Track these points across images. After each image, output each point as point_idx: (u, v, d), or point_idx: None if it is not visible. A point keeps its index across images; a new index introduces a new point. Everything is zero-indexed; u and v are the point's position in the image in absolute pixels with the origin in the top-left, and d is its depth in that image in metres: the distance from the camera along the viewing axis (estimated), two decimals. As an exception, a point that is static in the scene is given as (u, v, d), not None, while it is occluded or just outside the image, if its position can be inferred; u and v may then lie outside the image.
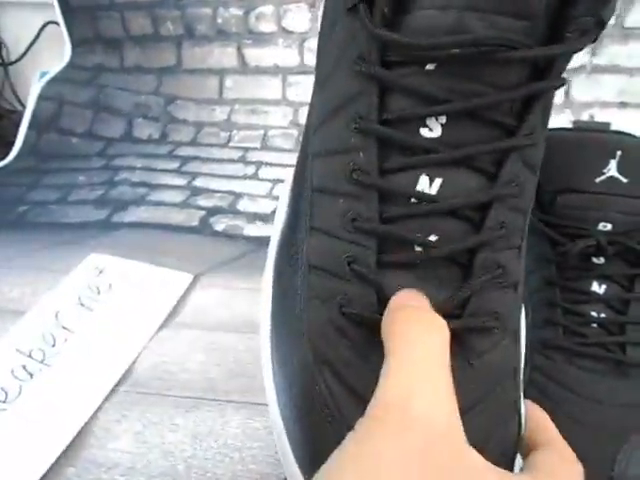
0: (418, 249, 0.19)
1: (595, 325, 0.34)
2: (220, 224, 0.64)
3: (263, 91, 0.97)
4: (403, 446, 0.14)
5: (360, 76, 0.18)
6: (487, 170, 0.18)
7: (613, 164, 0.34)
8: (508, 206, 0.19)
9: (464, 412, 0.16)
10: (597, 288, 0.35)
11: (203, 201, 0.70)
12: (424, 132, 0.18)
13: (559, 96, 0.88)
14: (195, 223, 0.64)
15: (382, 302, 0.18)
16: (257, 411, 0.37)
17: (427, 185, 0.18)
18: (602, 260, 0.35)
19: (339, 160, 0.19)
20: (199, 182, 0.77)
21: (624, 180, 0.34)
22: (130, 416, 0.37)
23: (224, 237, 0.62)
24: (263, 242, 0.62)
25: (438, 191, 0.18)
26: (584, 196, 0.35)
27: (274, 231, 0.26)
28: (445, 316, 0.18)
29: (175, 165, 0.83)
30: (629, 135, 0.36)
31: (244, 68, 0.98)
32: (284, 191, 0.27)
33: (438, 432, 0.14)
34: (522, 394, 0.21)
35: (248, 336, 0.46)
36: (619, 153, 0.34)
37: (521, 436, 0.20)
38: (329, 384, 0.18)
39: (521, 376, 0.22)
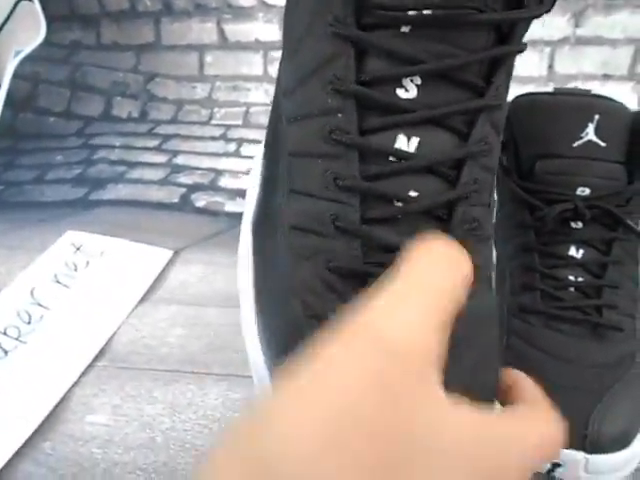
0: (399, 204, 0.19)
1: (572, 289, 0.34)
2: (201, 201, 0.64)
3: (244, 67, 0.95)
4: (362, 368, 0.12)
5: (336, 38, 0.19)
6: (460, 129, 0.19)
7: (591, 128, 0.34)
8: (479, 164, 0.20)
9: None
10: (575, 252, 0.35)
11: (184, 178, 0.69)
12: (400, 93, 0.19)
13: (543, 69, 0.87)
14: (175, 200, 0.64)
15: (368, 255, 0.19)
16: (237, 383, 0.37)
17: (405, 143, 0.19)
18: (580, 225, 0.35)
19: (316, 122, 0.20)
20: (180, 160, 0.75)
21: (602, 144, 0.34)
22: (108, 390, 0.37)
23: (205, 214, 0.61)
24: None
25: (416, 149, 0.19)
26: (562, 161, 0.35)
27: (248, 197, 0.26)
28: None
29: (155, 143, 0.81)
30: (607, 99, 0.36)
31: (224, 44, 0.96)
32: (257, 159, 0.27)
33: (407, 359, 0.13)
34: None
35: (229, 310, 0.45)
36: (597, 117, 0.34)
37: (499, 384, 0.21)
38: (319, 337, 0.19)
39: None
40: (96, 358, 0.40)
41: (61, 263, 0.49)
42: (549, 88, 0.87)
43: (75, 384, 0.37)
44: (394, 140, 0.19)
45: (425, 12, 0.18)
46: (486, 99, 0.19)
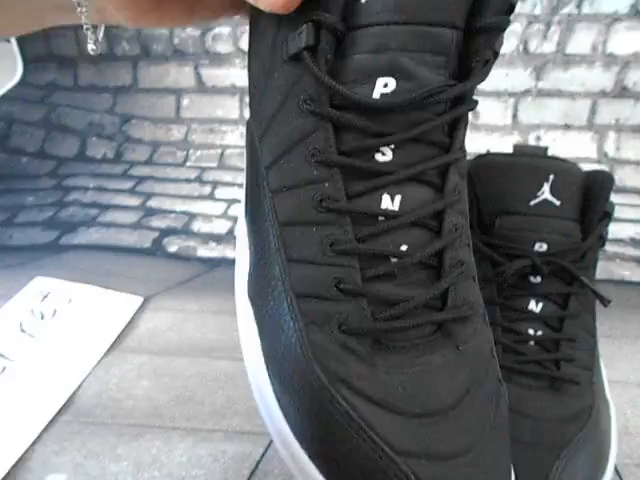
0: (394, 260, 0.21)
1: (532, 343, 0.35)
2: (173, 245, 0.64)
3: (220, 110, 0.97)
4: None
5: (312, 115, 0.21)
6: (435, 183, 0.22)
7: (546, 187, 0.36)
8: (456, 211, 0.22)
9: (461, 398, 0.20)
10: (534, 306, 0.36)
11: (157, 222, 0.70)
12: (378, 157, 0.21)
13: (508, 118, 0.91)
14: (147, 244, 0.64)
15: (375, 312, 0.20)
16: (203, 437, 0.37)
17: (390, 203, 0.21)
18: (539, 279, 0.36)
19: (305, 192, 0.21)
20: (153, 202, 0.76)
21: (557, 203, 0.36)
22: (70, 447, 0.36)
23: (177, 258, 0.61)
24: (216, 263, 0.62)
25: (400, 207, 0.21)
26: (520, 218, 0.36)
27: (238, 265, 0.26)
28: (431, 309, 0.21)
29: (129, 185, 0.82)
30: (561, 160, 0.38)
31: (201, 87, 0.98)
32: (240, 230, 0.27)
33: None
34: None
35: (198, 360, 0.45)
36: (552, 177, 0.35)
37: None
38: (349, 400, 0.20)
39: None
40: (59, 412, 0.39)
41: (27, 311, 0.48)
42: (514, 137, 0.91)
43: (36, 441, 0.36)
44: (380, 201, 0.21)
45: (393, 101, 0.20)
46: (452, 153, 0.21)
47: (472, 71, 0.20)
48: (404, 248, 0.21)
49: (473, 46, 0.20)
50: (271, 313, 0.22)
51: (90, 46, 0.27)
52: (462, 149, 0.22)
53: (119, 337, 0.47)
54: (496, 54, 0.21)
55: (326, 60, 0.20)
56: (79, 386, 0.41)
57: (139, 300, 0.52)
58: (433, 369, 0.21)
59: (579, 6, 0.84)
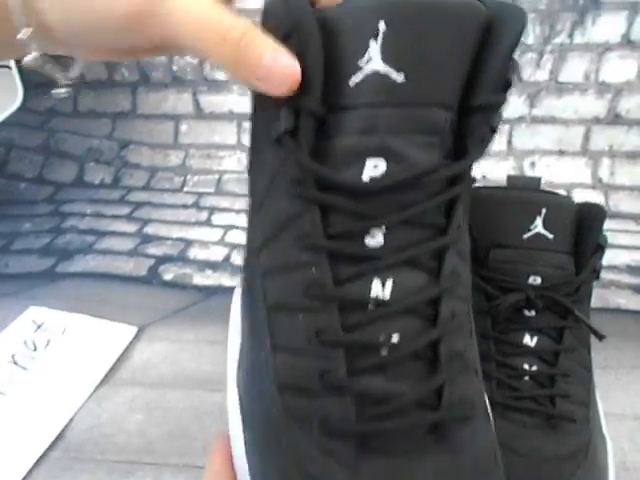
0: (384, 351, 0.19)
1: (527, 378, 0.34)
2: (169, 273, 0.64)
3: (218, 136, 0.98)
4: None
5: (298, 198, 0.20)
6: (430, 267, 0.20)
7: (539, 221, 0.36)
8: (454, 296, 0.20)
9: None
10: (529, 340, 0.36)
11: (153, 249, 0.70)
12: (368, 241, 0.20)
13: (503, 144, 0.92)
14: (143, 272, 0.63)
15: (361, 410, 0.19)
16: (195, 475, 0.36)
17: (380, 289, 0.19)
18: (533, 313, 0.36)
19: (292, 276, 0.20)
20: (150, 229, 0.76)
21: (550, 236, 0.36)
22: (60, 485, 0.35)
23: (173, 287, 0.61)
24: (212, 291, 0.62)
25: (391, 293, 0.19)
26: (514, 251, 0.36)
27: (230, 347, 0.25)
28: (424, 408, 0.19)
29: (126, 211, 0.82)
30: (553, 194, 0.38)
31: (199, 113, 0.99)
32: (235, 308, 0.27)
33: None
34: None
35: (192, 393, 0.45)
36: (544, 211, 0.36)
37: None
38: None
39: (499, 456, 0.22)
40: (50, 447, 0.38)
41: (20, 342, 0.48)
42: (509, 162, 0.92)
43: (26, 476, 0.36)
44: (370, 287, 0.19)
45: (382, 183, 0.19)
46: (449, 236, 0.20)
47: (468, 150, 0.20)
48: (395, 338, 0.19)
49: (469, 125, 0.20)
50: (256, 404, 0.21)
51: (62, 90, 0.26)
52: (461, 230, 0.21)
53: (112, 368, 0.47)
54: (493, 130, 0.20)
55: (308, 143, 0.19)
56: (70, 420, 0.41)
57: (133, 330, 0.52)
58: (423, 478, 0.19)
59: (571, 35, 0.85)
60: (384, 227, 0.19)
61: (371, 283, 0.19)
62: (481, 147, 0.20)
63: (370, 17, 0.18)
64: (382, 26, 0.18)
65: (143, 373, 0.47)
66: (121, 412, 0.42)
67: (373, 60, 0.18)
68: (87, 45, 0.22)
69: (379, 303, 0.19)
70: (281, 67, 0.18)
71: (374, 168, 0.19)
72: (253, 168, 0.23)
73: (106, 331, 0.51)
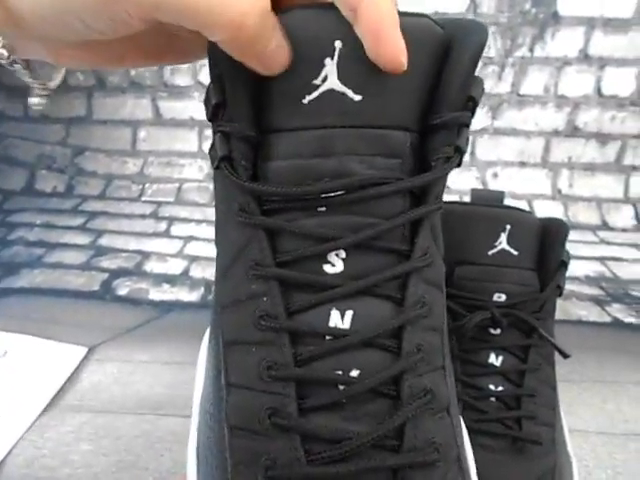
0: (341, 387, 0.18)
1: (493, 399, 0.34)
2: (123, 288, 0.60)
3: (179, 144, 0.95)
4: None
5: (246, 226, 0.19)
6: (393, 296, 0.19)
7: (503, 237, 0.35)
8: (421, 327, 0.19)
9: None
10: (494, 360, 0.35)
11: (107, 262, 0.66)
12: (327, 268, 0.18)
13: (466, 155, 0.93)
14: (96, 287, 0.60)
15: (311, 452, 0.17)
16: (145, 511, 0.34)
17: (339, 320, 0.18)
18: (498, 331, 0.35)
19: (245, 308, 0.19)
20: (104, 240, 0.72)
21: (514, 252, 0.35)
22: (-7, 528, 0.32)
23: (127, 302, 0.58)
24: (169, 307, 0.59)
25: (351, 324, 0.18)
26: (478, 268, 0.36)
27: (195, 396, 0.24)
28: (383, 450, 0.17)
29: (80, 221, 0.78)
30: (517, 209, 0.37)
31: (159, 120, 0.96)
32: (204, 344, 0.25)
33: None
34: None
35: (144, 418, 0.42)
36: (508, 227, 0.35)
37: None
38: None
39: None
40: (-16, 485, 0.35)
41: (-45, 367, 0.44)
42: (472, 173, 0.92)
43: (-45, 520, 0.33)
44: (328, 317, 0.18)
45: (335, 195, 0.18)
46: (413, 261, 0.19)
47: (432, 169, 0.19)
48: (355, 373, 0.18)
49: (432, 144, 0.19)
50: (209, 448, 0.20)
51: (36, 100, 0.24)
52: (427, 256, 0.19)
53: (58, 393, 0.44)
54: (460, 150, 0.19)
55: (244, 167, 0.18)
56: (8, 453, 0.38)
57: (83, 351, 0.48)
58: None
59: (531, 49, 0.87)
60: (343, 252, 0.18)
61: (329, 313, 0.18)
62: (445, 166, 0.19)
63: (326, 36, 0.17)
64: (338, 44, 0.17)
65: (92, 398, 0.44)
66: (66, 442, 0.39)
67: (329, 79, 0.17)
68: (60, 34, 0.19)
69: (337, 335, 0.18)
70: (281, 55, 0.17)
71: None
72: (215, 199, 0.22)
73: (52, 353, 0.47)
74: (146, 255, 0.69)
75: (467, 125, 0.19)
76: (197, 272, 0.66)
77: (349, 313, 0.18)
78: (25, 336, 0.48)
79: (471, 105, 0.19)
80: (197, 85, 0.95)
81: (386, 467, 0.17)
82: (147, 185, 0.91)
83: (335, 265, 0.18)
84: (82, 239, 0.71)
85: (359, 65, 0.17)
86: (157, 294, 0.60)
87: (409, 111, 0.18)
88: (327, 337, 0.18)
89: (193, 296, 0.59)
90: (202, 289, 0.61)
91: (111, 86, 0.95)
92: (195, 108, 0.96)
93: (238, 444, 0.18)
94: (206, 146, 0.96)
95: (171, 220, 0.81)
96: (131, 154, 0.95)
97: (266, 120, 0.18)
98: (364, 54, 0.17)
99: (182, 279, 0.63)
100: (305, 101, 0.18)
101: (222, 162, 0.19)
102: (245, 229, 0.19)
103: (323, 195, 0.18)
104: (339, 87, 0.17)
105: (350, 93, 0.17)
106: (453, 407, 0.20)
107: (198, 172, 0.94)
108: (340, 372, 0.18)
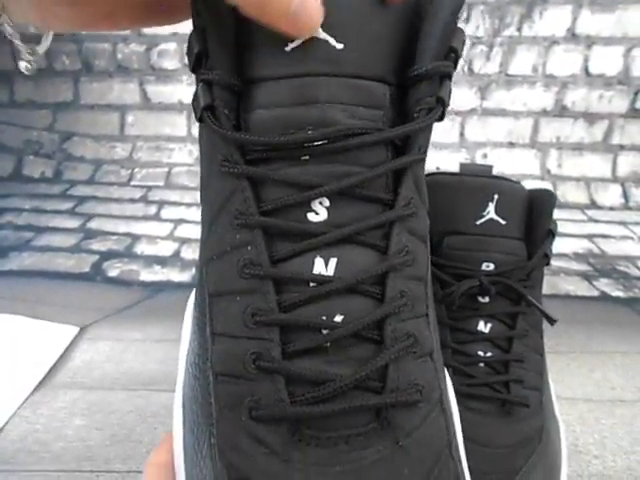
0: (325, 331, 0.18)
1: (482, 364, 0.34)
2: (114, 269, 0.60)
3: (167, 128, 0.94)
4: None
5: (230, 176, 0.19)
6: (377, 244, 0.19)
7: (491, 207, 0.36)
8: (404, 275, 0.19)
9: None
10: (483, 327, 0.35)
11: (97, 244, 0.66)
12: (311, 217, 0.19)
13: (455, 137, 0.93)
14: (86, 269, 0.60)
15: (296, 394, 0.17)
16: (139, 481, 0.34)
17: (323, 267, 0.18)
18: (487, 299, 0.36)
19: (230, 259, 0.19)
20: (94, 224, 0.72)
21: (502, 222, 0.36)
22: (-12, 500, 0.33)
23: (117, 283, 0.58)
24: (160, 288, 0.59)
25: (335, 271, 0.18)
26: (467, 237, 0.36)
27: (181, 353, 0.24)
28: (366, 392, 0.18)
29: (69, 206, 0.77)
30: (505, 179, 0.38)
31: (147, 104, 0.95)
32: (190, 303, 0.25)
33: None
34: (465, 469, 0.20)
35: (137, 394, 0.42)
36: (496, 197, 0.35)
37: None
38: None
39: (461, 452, 0.21)
40: (-22, 460, 0.35)
41: (-54, 347, 0.44)
42: (462, 154, 0.93)
43: (-50, 494, 0.33)
44: (312, 265, 0.18)
45: (318, 144, 0.18)
46: (396, 210, 0.19)
47: (414, 120, 0.19)
48: (339, 318, 0.18)
49: (414, 96, 0.19)
50: (194, 399, 0.20)
51: (23, 64, 0.24)
52: (412, 206, 0.19)
53: (50, 371, 0.44)
54: (443, 101, 0.19)
55: (227, 117, 0.18)
56: (1, 430, 0.38)
57: (74, 330, 0.48)
58: (363, 468, 0.17)
59: (519, 29, 0.87)
60: (326, 199, 0.18)
61: (313, 261, 0.18)
62: (427, 117, 0.19)
63: None
64: None
65: (84, 375, 0.44)
66: (59, 417, 0.39)
67: None
68: None
69: (321, 281, 0.18)
70: (308, 13, 0.17)
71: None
72: (200, 153, 0.22)
73: (43, 332, 0.47)
74: (136, 238, 0.68)
75: (449, 76, 0.19)
76: (188, 254, 0.66)
77: (333, 260, 0.18)
78: (16, 316, 0.48)
79: (453, 57, 0.19)
80: (185, 68, 0.94)
81: (369, 406, 0.17)
82: (136, 170, 0.91)
83: (319, 213, 0.19)
84: (71, 223, 0.71)
85: (341, 14, 0.17)
86: (148, 275, 0.60)
87: (388, 63, 0.19)
88: (311, 284, 0.18)
89: (184, 276, 0.59)
90: (193, 270, 0.61)
91: (98, 70, 0.94)
92: (184, 91, 0.95)
93: (223, 389, 0.18)
94: (195, 130, 0.96)
95: (161, 204, 0.81)
96: (119, 139, 0.94)
97: (248, 69, 0.18)
98: (346, 3, 0.17)
99: (173, 261, 0.63)
100: (288, 49, 0.18)
101: (205, 112, 0.18)
102: (229, 180, 0.19)
103: (306, 144, 0.18)
104: (321, 35, 0.17)
105: (332, 41, 0.18)
106: (437, 353, 0.20)
107: (188, 156, 0.94)
108: (324, 317, 0.18)
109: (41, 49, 0.24)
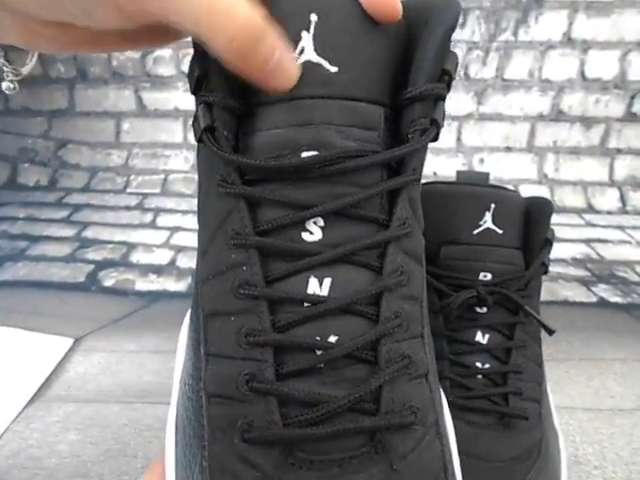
0: (319, 352, 0.18)
1: (480, 376, 0.34)
2: (109, 279, 0.60)
3: (163, 135, 0.94)
4: None
5: (227, 196, 0.19)
6: (372, 264, 0.19)
7: (488, 216, 0.35)
8: (399, 295, 0.19)
9: None
10: (481, 338, 0.35)
11: (92, 254, 0.65)
12: (306, 236, 0.19)
13: (452, 141, 0.93)
14: (81, 279, 0.59)
15: (289, 416, 0.17)
16: (134, 497, 0.34)
17: (317, 287, 0.18)
18: (484, 309, 0.35)
19: (225, 279, 0.19)
20: (89, 233, 0.71)
21: (499, 231, 0.35)
22: (-20, 519, 0.32)
23: (113, 293, 0.58)
24: (156, 297, 0.59)
25: (329, 291, 0.18)
26: (464, 247, 0.36)
27: (176, 371, 0.24)
28: (360, 413, 0.17)
29: (64, 214, 0.77)
30: (502, 188, 0.37)
31: (142, 111, 0.94)
32: (185, 321, 0.25)
33: None
34: None
35: (132, 407, 0.42)
36: (493, 206, 0.35)
37: None
38: None
39: (458, 476, 0.21)
40: (-30, 477, 0.35)
41: (-62, 360, 0.43)
42: (459, 159, 0.92)
43: (-59, 512, 0.32)
44: (306, 285, 0.18)
45: (300, 163, 0.18)
46: (391, 230, 0.19)
47: (408, 141, 0.19)
48: (333, 339, 0.18)
49: (408, 118, 0.19)
50: (186, 415, 0.20)
51: (5, 84, 0.23)
52: (405, 226, 0.19)
53: (44, 385, 0.43)
54: (437, 123, 0.19)
55: (226, 138, 0.19)
56: (-6, 445, 0.37)
57: (69, 342, 0.48)
58: None
59: (515, 34, 0.87)
60: (321, 219, 0.18)
61: (307, 281, 0.18)
62: (422, 139, 0.19)
63: (301, 9, 0.18)
64: (314, 17, 0.18)
65: (79, 388, 0.44)
66: (53, 432, 0.39)
67: (306, 51, 0.18)
68: (42, 11, 0.18)
69: (316, 301, 0.18)
70: (284, 71, 0.17)
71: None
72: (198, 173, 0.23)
73: (37, 345, 0.47)
74: (132, 246, 0.68)
75: (442, 98, 0.19)
76: (184, 262, 0.65)
77: (327, 281, 0.18)
78: (9, 328, 0.48)
79: (446, 79, 0.19)
80: (181, 75, 0.94)
81: (363, 429, 0.17)
82: (132, 177, 0.90)
83: (314, 233, 0.19)
84: (66, 231, 0.70)
85: (335, 37, 0.18)
86: (144, 284, 0.59)
87: (382, 84, 0.19)
88: (305, 304, 0.18)
89: (180, 286, 0.59)
90: (189, 279, 0.61)
91: (93, 77, 0.94)
92: (179, 98, 0.95)
93: (215, 411, 0.18)
94: (191, 137, 0.95)
95: (157, 211, 0.81)
96: (115, 146, 0.94)
97: (247, 93, 0.19)
98: (339, 26, 0.18)
99: (169, 269, 0.63)
100: None
101: (205, 133, 0.19)
102: (226, 200, 0.19)
103: (290, 167, 0.18)
104: (315, 59, 0.18)
105: (326, 64, 0.18)
106: (432, 375, 0.20)
107: (184, 163, 0.93)
108: (318, 338, 0.18)
109: (25, 70, 0.24)
